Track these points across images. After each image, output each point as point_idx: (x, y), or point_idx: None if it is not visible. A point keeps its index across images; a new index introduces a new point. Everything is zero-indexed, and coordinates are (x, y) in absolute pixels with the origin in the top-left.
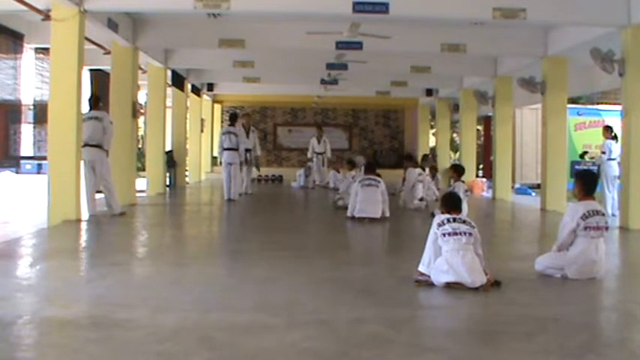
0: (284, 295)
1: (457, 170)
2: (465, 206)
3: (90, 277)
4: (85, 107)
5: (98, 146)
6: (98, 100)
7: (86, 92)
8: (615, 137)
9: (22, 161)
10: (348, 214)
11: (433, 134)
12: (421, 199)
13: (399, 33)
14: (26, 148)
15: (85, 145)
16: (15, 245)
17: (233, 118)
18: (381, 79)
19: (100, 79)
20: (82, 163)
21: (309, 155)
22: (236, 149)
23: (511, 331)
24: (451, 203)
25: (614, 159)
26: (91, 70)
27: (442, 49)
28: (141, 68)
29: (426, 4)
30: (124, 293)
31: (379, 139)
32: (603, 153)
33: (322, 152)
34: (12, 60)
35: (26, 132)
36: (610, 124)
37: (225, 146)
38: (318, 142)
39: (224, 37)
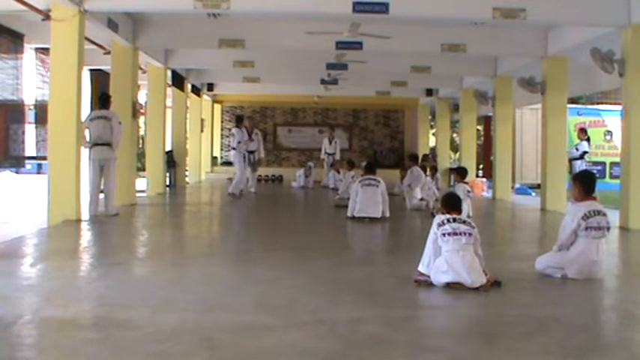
0: (284, 295)
1: (460, 173)
2: (466, 207)
3: (90, 277)
4: (86, 107)
5: (108, 145)
6: (108, 99)
7: (86, 92)
8: (588, 139)
9: (23, 161)
10: (348, 214)
11: (433, 134)
12: (421, 199)
13: (399, 33)
14: (28, 147)
15: (95, 144)
16: (15, 245)
17: (238, 120)
18: (381, 79)
19: (100, 79)
20: (89, 162)
21: (322, 156)
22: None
23: (511, 331)
24: (451, 203)
25: (583, 156)
26: (91, 70)
27: (442, 49)
28: (141, 68)
29: (426, 4)
30: (124, 293)
31: (379, 139)
32: (578, 151)
33: (332, 153)
34: (13, 60)
35: (28, 132)
36: (584, 127)
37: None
38: (330, 142)
39: (224, 37)
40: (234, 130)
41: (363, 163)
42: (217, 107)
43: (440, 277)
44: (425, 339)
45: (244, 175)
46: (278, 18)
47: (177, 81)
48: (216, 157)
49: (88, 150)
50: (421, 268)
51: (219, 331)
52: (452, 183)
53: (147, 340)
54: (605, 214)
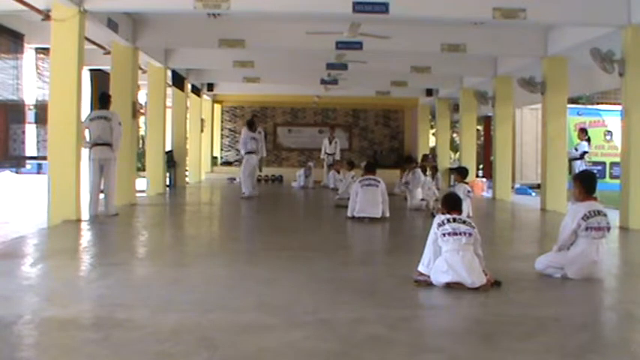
0: (284, 295)
1: (461, 173)
2: (466, 207)
3: (90, 277)
4: (86, 107)
5: (108, 145)
6: (108, 99)
7: (86, 92)
8: (589, 139)
9: (23, 161)
10: (348, 214)
11: (433, 134)
12: (421, 199)
13: (399, 33)
14: (28, 147)
15: (95, 144)
16: (15, 245)
17: (250, 124)
18: (381, 79)
19: (100, 79)
20: (89, 162)
21: (321, 156)
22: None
23: (511, 331)
24: (451, 203)
25: (583, 156)
26: (91, 70)
27: (442, 49)
28: (141, 68)
29: (426, 4)
30: (124, 293)
31: (379, 139)
32: (578, 152)
33: (332, 153)
34: (13, 60)
35: (28, 132)
36: (585, 127)
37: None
38: (330, 142)
39: (224, 37)
40: (254, 134)
41: (363, 163)
42: (217, 107)
43: (440, 277)
44: (425, 339)
45: (243, 176)
46: (278, 18)
47: (177, 81)
48: (216, 157)
49: (88, 150)
50: (421, 268)
51: (219, 331)
52: (452, 183)
53: (147, 340)
54: (605, 215)
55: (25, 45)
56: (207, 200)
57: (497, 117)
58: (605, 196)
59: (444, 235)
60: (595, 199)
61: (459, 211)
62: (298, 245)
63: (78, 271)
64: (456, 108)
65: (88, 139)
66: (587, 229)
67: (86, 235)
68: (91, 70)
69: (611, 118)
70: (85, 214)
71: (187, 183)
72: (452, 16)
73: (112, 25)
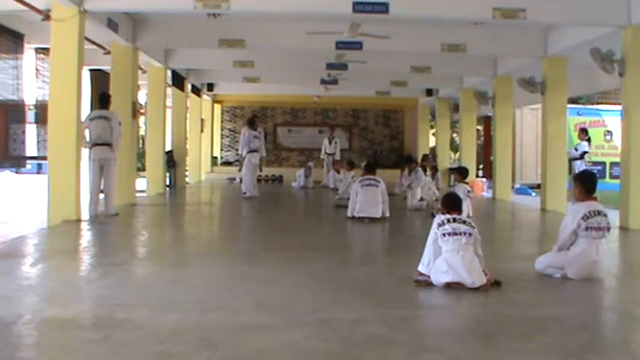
0: (284, 295)
1: (461, 173)
2: (466, 207)
3: (90, 277)
4: (86, 107)
5: (108, 145)
6: (108, 99)
7: (86, 92)
8: (589, 139)
9: (23, 161)
10: (348, 214)
11: (433, 134)
12: (421, 199)
13: (399, 33)
14: (28, 147)
15: (95, 144)
16: (15, 245)
17: (251, 123)
18: (381, 79)
19: (100, 79)
20: (89, 162)
21: (321, 156)
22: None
23: (511, 331)
24: (451, 203)
25: (583, 156)
26: (91, 70)
27: (442, 49)
28: (141, 68)
29: (426, 4)
30: (124, 293)
31: (379, 139)
32: (577, 152)
33: (332, 153)
34: (13, 60)
35: (29, 132)
36: (585, 127)
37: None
38: (330, 142)
39: (224, 37)
40: (255, 132)
41: (363, 163)
42: (217, 107)
43: (440, 277)
44: (425, 339)
45: (245, 176)
46: (278, 18)
47: (177, 81)
48: (216, 157)
49: (88, 150)
50: (421, 268)
51: (219, 331)
52: (452, 183)
53: (147, 340)
54: (605, 215)
55: (25, 45)
56: (207, 200)
57: (497, 117)
58: (605, 196)
59: (444, 235)
60: (595, 199)
61: (459, 211)
62: (298, 245)
63: (78, 271)
64: (456, 108)
65: (88, 139)
66: (587, 229)
67: (86, 235)
68: (91, 70)
69: (611, 118)
70: (85, 214)
71: (187, 183)
72: (452, 16)
73: (112, 25)
